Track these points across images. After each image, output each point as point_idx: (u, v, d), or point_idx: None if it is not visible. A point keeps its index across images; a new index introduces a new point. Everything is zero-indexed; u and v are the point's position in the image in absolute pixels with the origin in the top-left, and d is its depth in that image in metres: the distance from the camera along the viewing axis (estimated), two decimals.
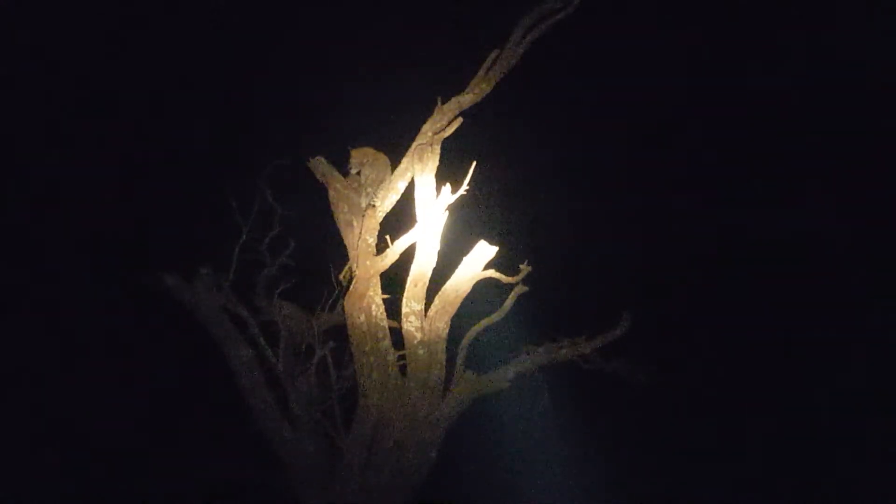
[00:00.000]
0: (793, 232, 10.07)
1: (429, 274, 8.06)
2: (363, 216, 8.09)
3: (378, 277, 8.08)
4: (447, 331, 8.11)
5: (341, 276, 8.22)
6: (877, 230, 10.02)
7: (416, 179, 8.13)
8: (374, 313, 8.05)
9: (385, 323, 8.10)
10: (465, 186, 7.90)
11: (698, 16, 9.81)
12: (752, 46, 10.08)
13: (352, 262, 8.12)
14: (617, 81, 10.02)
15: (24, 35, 9.66)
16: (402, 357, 8.07)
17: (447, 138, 8.18)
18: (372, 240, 8.04)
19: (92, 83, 9.70)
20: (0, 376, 9.35)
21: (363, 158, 8.21)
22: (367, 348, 7.99)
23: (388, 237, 8.04)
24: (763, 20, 9.85)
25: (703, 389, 9.52)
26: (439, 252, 8.06)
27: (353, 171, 8.22)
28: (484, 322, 8.20)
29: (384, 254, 7.98)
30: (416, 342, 8.03)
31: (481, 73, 8.18)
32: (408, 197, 8.18)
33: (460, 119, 8.16)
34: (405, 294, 8.07)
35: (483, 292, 8.24)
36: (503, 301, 8.23)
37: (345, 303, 8.03)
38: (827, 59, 9.86)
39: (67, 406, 9.36)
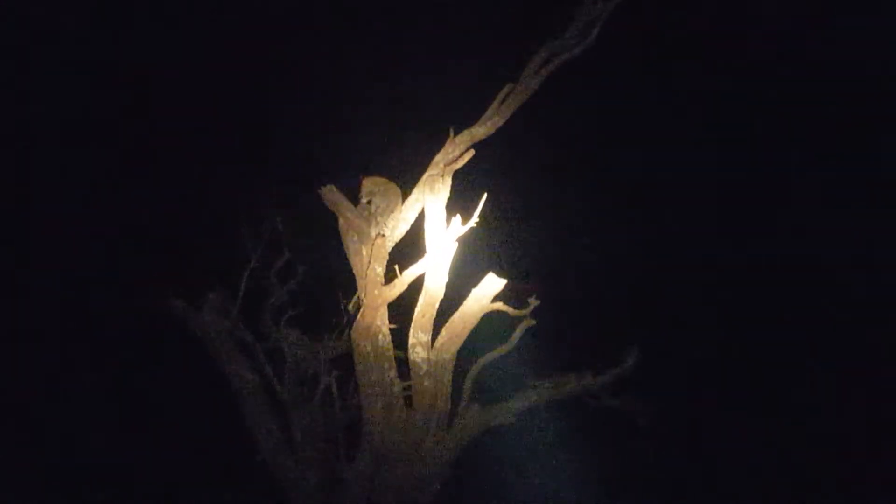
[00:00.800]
0: (807, 264, 10.00)
1: (437, 305, 8.03)
2: (372, 245, 8.04)
3: (386, 307, 8.04)
4: (454, 362, 8.08)
5: (349, 305, 8.21)
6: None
7: (426, 210, 8.12)
8: (380, 343, 8.02)
9: (392, 353, 8.06)
10: (475, 218, 7.89)
11: (714, 50, 9.79)
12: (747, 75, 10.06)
13: (360, 291, 8.09)
14: (627, 114, 10.00)
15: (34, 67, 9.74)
16: (408, 388, 8.03)
17: (459, 170, 8.18)
18: (381, 269, 8.00)
19: (105, 113, 9.73)
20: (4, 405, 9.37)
21: (374, 187, 8.21)
22: (372, 378, 7.95)
23: (396, 267, 8.01)
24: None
25: (710, 426, 9.43)
26: (448, 283, 8.04)
27: (364, 200, 8.21)
28: (491, 355, 8.17)
29: (392, 283, 7.94)
30: (422, 373, 7.98)
31: (494, 105, 8.17)
32: (418, 227, 8.17)
33: (472, 151, 8.15)
34: (412, 324, 8.04)
35: (491, 325, 8.21)
36: (510, 334, 8.21)
37: (352, 332, 7.99)
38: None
39: (70, 430, 9.32)
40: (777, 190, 10.37)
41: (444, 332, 8.07)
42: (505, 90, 8.19)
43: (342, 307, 8.20)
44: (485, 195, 7.88)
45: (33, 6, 9.55)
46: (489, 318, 8.14)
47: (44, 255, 9.75)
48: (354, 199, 8.20)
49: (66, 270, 9.60)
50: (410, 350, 8.03)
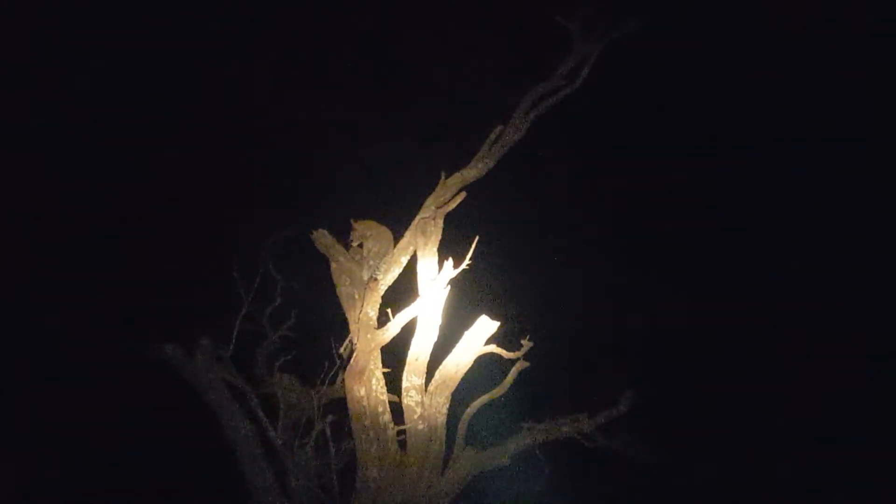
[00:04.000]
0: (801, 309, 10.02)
1: (430, 348, 8.04)
2: (365, 289, 8.06)
3: (379, 351, 8.05)
4: (447, 405, 8.07)
5: (342, 350, 8.19)
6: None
7: (418, 253, 8.15)
8: (374, 387, 8.00)
9: (385, 397, 8.04)
10: (467, 261, 7.90)
11: (703, 88, 9.85)
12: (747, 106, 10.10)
13: (353, 335, 8.10)
14: (619, 156, 10.04)
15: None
16: (402, 432, 8.00)
17: (450, 212, 8.20)
18: (373, 313, 8.01)
19: (98, 153, 9.75)
20: None
21: (366, 231, 8.24)
22: (366, 422, 7.93)
23: (389, 311, 8.00)
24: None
25: (706, 470, 9.40)
26: (440, 326, 8.04)
27: (355, 244, 8.24)
28: (485, 397, 8.16)
29: (385, 327, 7.94)
30: (416, 417, 7.97)
31: (485, 147, 8.25)
32: (410, 270, 8.18)
33: (464, 193, 8.19)
34: (406, 368, 8.05)
35: (484, 367, 8.20)
36: (504, 376, 8.20)
37: (345, 376, 7.98)
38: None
39: (62, 476, 9.26)
40: (774, 219, 10.36)
41: (437, 375, 8.07)
42: (495, 132, 8.26)
43: (335, 352, 8.19)
44: (476, 238, 7.91)
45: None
46: (482, 361, 8.15)
47: (35, 298, 9.70)
48: (346, 243, 8.23)
49: (56, 315, 9.55)
50: (404, 394, 8.02)
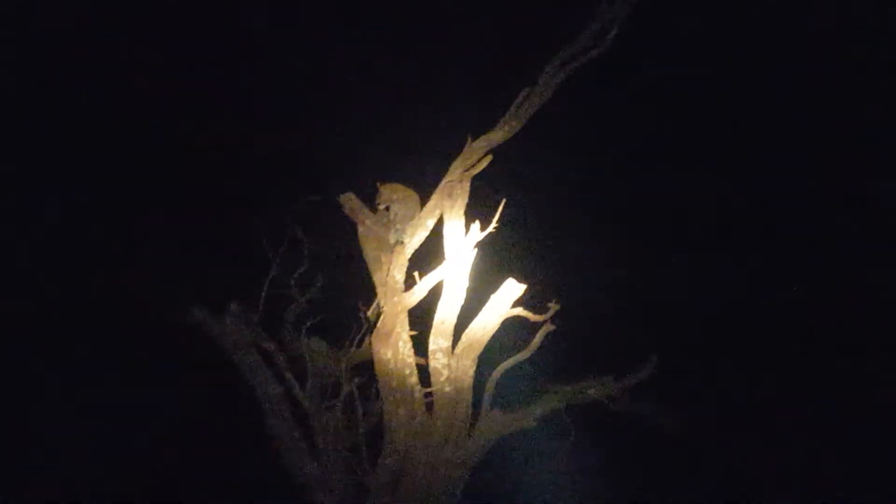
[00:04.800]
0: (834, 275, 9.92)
1: (456, 311, 8.05)
2: (392, 253, 8.10)
3: (406, 314, 8.08)
4: (474, 368, 8.09)
5: (369, 313, 8.23)
6: None
7: (445, 216, 8.14)
8: (401, 350, 8.05)
9: (412, 360, 8.09)
10: (494, 224, 7.91)
11: (739, 41, 9.68)
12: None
13: (379, 299, 8.14)
14: (649, 115, 9.93)
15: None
16: (429, 394, 8.05)
17: (477, 175, 8.17)
18: (400, 276, 8.04)
19: (123, 119, 9.78)
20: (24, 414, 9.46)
21: (392, 195, 8.22)
22: (393, 384, 7.98)
23: (416, 274, 8.05)
24: None
25: (731, 433, 9.39)
26: (467, 289, 8.05)
27: (382, 208, 8.23)
28: (511, 360, 8.17)
29: (412, 290, 7.98)
30: (442, 379, 8.00)
31: (512, 110, 8.16)
32: (436, 234, 8.18)
33: (490, 156, 8.15)
34: (432, 331, 8.06)
35: (510, 330, 8.21)
36: (531, 339, 8.21)
37: (372, 339, 8.03)
38: None
39: (90, 441, 9.39)
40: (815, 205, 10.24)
41: (464, 338, 8.08)
42: (522, 94, 8.18)
43: (362, 315, 8.22)
44: (504, 200, 7.89)
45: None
46: (509, 324, 8.16)
47: (62, 265, 9.81)
48: (373, 207, 8.23)
49: (84, 280, 9.65)
50: (431, 356, 8.05)
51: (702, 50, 9.60)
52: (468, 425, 8.06)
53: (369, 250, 8.23)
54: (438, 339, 8.04)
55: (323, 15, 9.75)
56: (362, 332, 8.23)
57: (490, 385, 8.13)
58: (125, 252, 9.55)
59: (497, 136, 8.17)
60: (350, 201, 8.20)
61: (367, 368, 8.16)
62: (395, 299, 7.95)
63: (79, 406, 9.31)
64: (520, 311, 8.12)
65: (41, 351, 9.45)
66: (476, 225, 7.97)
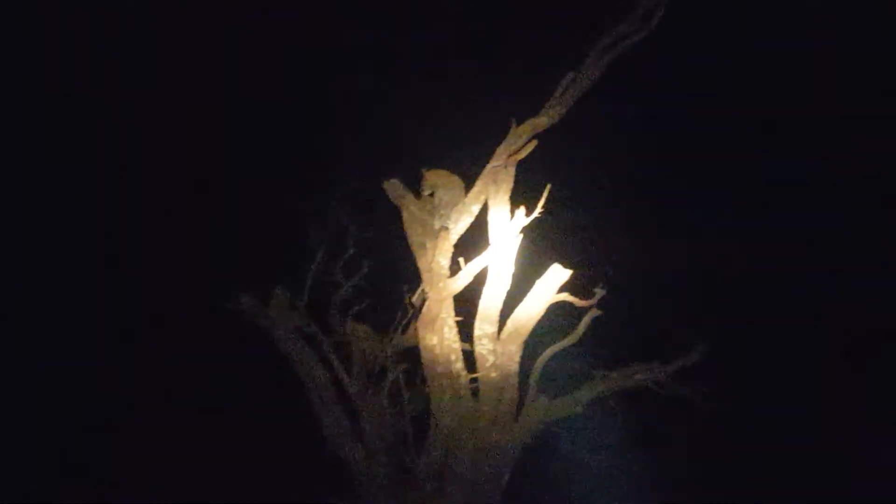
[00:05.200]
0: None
1: (502, 297, 8.04)
2: (437, 238, 8.09)
3: (451, 300, 8.08)
4: (520, 354, 8.07)
5: (414, 299, 8.23)
6: None
7: (490, 202, 8.12)
8: (446, 336, 8.05)
9: (458, 345, 8.08)
10: (539, 209, 7.88)
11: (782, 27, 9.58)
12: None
13: (425, 284, 8.13)
14: (697, 96, 9.83)
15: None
16: (475, 380, 8.03)
17: (522, 160, 8.15)
18: (445, 262, 8.04)
19: (169, 107, 9.89)
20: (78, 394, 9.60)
21: (437, 180, 8.23)
22: (439, 370, 7.98)
23: (461, 259, 8.04)
24: None
25: (779, 420, 9.30)
26: (512, 275, 8.03)
27: (427, 193, 8.23)
28: (557, 345, 8.13)
29: (457, 276, 7.98)
30: (488, 365, 7.99)
31: (556, 95, 8.14)
32: (481, 219, 8.17)
33: (535, 141, 8.12)
34: (478, 317, 8.05)
35: (556, 316, 8.18)
36: (576, 325, 8.17)
37: (417, 325, 8.04)
38: None
39: (140, 425, 9.50)
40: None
41: (509, 323, 8.07)
42: (566, 79, 8.15)
43: (407, 301, 8.24)
44: (548, 186, 7.86)
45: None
46: (554, 309, 8.13)
47: (111, 254, 9.93)
48: (418, 193, 8.24)
49: (134, 270, 9.77)
50: (476, 342, 8.04)
51: (754, 35, 9.52)
52: (514, 411, 8.05)
53: (414, 236, 8.24)
54: (484, 325, 8.03)
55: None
56: (408, 317, 8.25)
57: (536, 370, 8.10)
58: (174, 241, 9.64)
59: (542, 121, 8.14)
60: (395, 188, 8.22)
61: (412, 354, 8.18)
62: (440, 285, 7.95)
63: (135, 390, 9.46)
64: (565, 296, 8.09)
65: (98, 338, 9.61)
66: (521, 210, 7.93)
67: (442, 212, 8.20)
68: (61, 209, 9.91)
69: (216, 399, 9.24)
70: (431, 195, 8.25)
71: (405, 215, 8.24)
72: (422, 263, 8.19)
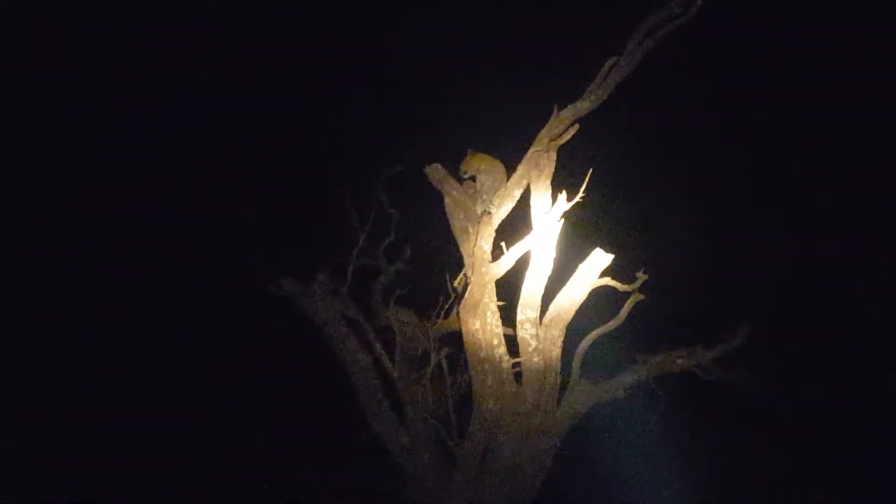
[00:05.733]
0: None
1: (544, 281, 8.02)
2: (479, 223, 8.07)
3: (493, 284, 8.07)
4: (562, 338, 8.07)
5: (456, 283, 8.25)
6: None
7: (531, 186, 8.10)
8: (488, 320, 8.04)
9: (500, 330, 8.08)
10: (581, 193, 7.86)
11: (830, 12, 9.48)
12: None
13: (467, 269, 8.13)
14: (740, 81, 9.76)
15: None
16: (517, 364, 8.04)
17: (564, 145, 8.13)
18: (487, 247, 8.02)
19: (208, 88, 9.95)
20: (117, 381, 9.69)
21: (479, 165, 8.22)
22: (482, 355, 7.99)
23: (503, 244, 8.03)
24: None
25: (824, 405, 9.24)
26: (554, 259, 8.02)
27: (466, 176, 8.23)
28: (600, 330, 8.13)
29: (499, 261, 7.97)
30: (531, 349, 7.99)
31: (598, 79, 8.07)
32: (523, 204, 8.15)
33: (577, 126, 8.09)
34: (520, 301, 8.04)
35: (598, 300, 8.17)
36: (618, 309, 8.16)
37: (460, 309, 8.04)
38: None
39: (181, 409, 9.58)
40: None
41: (551, 308, 8.06)
42: (609, 63, 8.09)
43: (450, 285, 8.25)
44: (590, 170, 7.84)
45: None
46: (597, 294, 8.12)
47: (154, 239, 10.01)
48: (460, 178, 8.24)
49: (176, 255, 9.85)
50: (519, 327, 8.03)
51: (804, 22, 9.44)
52: (557, 396, 8.07)
53: (456, 221, 8.23)
54: (526, 310, 8.03)
55: None
56: (450, 302, 8.28)
57: (578, 355, 8.12)
58: (218, 225, 9.70)
59: (584, 105, 8.09)
60: (437, 172, 8.19)
61: (455, 339, 8.20)
62: (482, 270, 7.94)
63: (174, 378, 9.55)
64: (607, 280, 8.08)
65: (139, 325, 9.70)
66: (563, 195, 7.90)
67: (484, 197, 8.19)
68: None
69: (259, 384, 9.32)
70: (473, 179, 8.25)
71: (447, 200, 8.22)
72: (464, 248, 8.19)
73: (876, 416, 9.33)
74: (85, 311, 9.80)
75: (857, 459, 9.28)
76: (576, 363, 8.10)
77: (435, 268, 8.39)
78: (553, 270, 8.03)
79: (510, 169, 8.23)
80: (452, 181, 8.20)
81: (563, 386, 8.11)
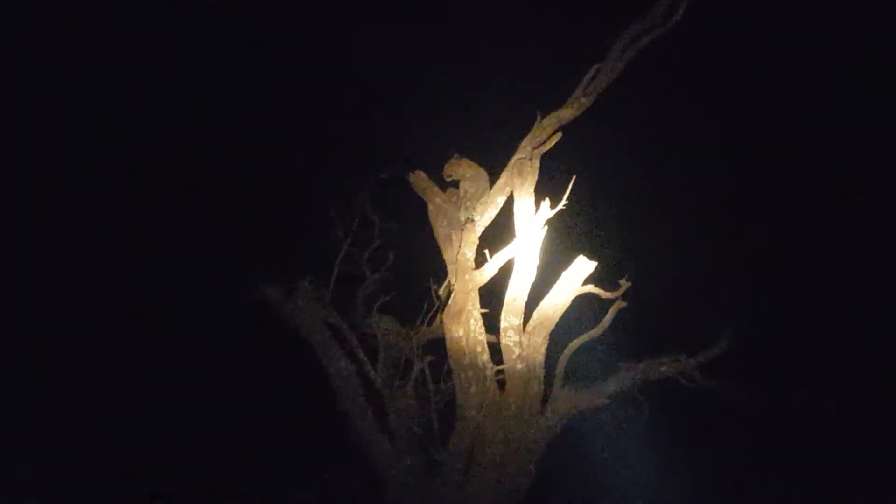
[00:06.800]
0: None
1: (527, 288, 8.03)
2: (462, 230, 8.08)
3: (477, 292, 8.07)
4: (546, 346, 8.07)
5: (440, 291, 8.26)
6: None
7: (515, 194, 8.12)
8: (472, 327, 8.04)
9: (483, 337, 8.09)
10: (564, 201, 7.88)
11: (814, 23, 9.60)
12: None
13: (451, 276, 8.15)
14: (724, 90, 9.84)
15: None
16: (501, 372, 8.04)
17: (547, 153, 8.16)
18: (471, 254, 8.03)
19: (196, 96, 9.95)
20: (99, 388, 9.62)
21: (462, 171, 8.25)
22: (465, 362, 7.98)
23: (486, 251, 8.03)
24: None
25: (805, 411, 9.27)
26: (538, 266, 8.03)
27: (450, 180, 8.25)
28: (583, 337, 8.14)
29: (483, 268, 7.97)
30: (514, 357, 7.99)
31: (581, 87, 8.15)
32: (507, 211, 8.18)
33: (560, 133, 8.14)
34: (504, 308, 8.05)
35: (581, 307, 8.19)
36: (601, 316, 8.17)
37: (443, 317, 8.04)
38: None
39: (164, 416, 9.52)
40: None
41: (535, 315, 8.08)
42: (591, 71, 8.16)
43: (433, 292, 8.25)
44: (573, 178, 7.87)
45: None
46: (580, 301, 8.13)
47: (135, 246, 9.97)
48: (443, 185, 8.26)
49: (159, 261, 9.81)
50: (502, 334, 8.04)
51: (776, 36, 9.53)
52: (540, 402, 8.06)
53: (440, 228, 8.26)
54: (510, 317, 8.03)
55: None
56: (434, 309, 8.28)
57: (562, 362, 8.12)
58: (200, 234, 9.67)
59: (567, 113, 8.16)
60: (420, 179, 8.23)
61: (438, 346, 8.18)
62: (465, 277, 7.95)
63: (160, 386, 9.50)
64: (591, 288, 8.09)
65: (126, 337, 9.66)
66: (546, 202, 7.93)
67: (467, 204, 8.23)
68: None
69: (240, 392, 9.27)
70: (455, 186, 8.27)
71: (431, 207, 8.26)
72: (448, 255, 8.21)
73: (859, 422, 9.37)
74: (64, 319, 9.73)
75: (841, 464, 9.31)
76: (559, 370, 8.10)
77: (418, 275, 8.38)
78: (537, 278, 8.05)
79: (493, 176, 8.25)
80: (436, 188, 8.24)
81: (547, 393, 8.09)
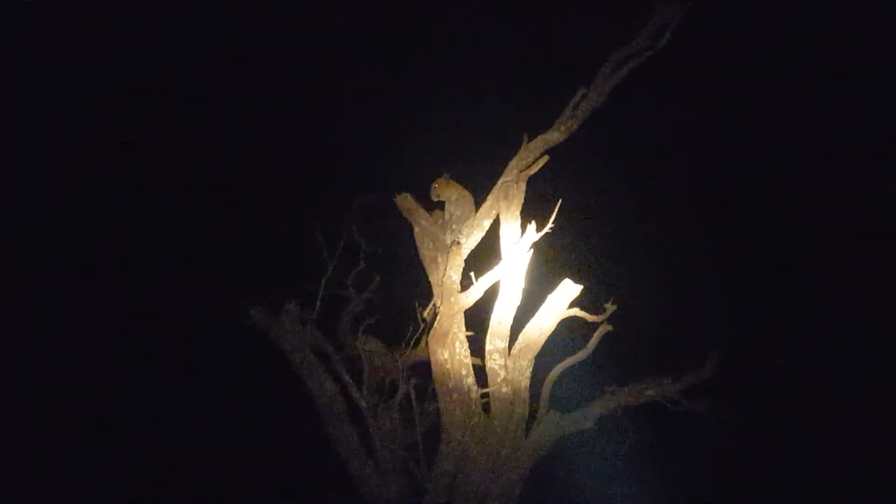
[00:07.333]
0: None
1: (513, 312, 8.02)
2: (448, 253, 8.09)
3: (462, 315, 8.07)
4: (531, 369, 8.06)
5: (425, 313, 8.23)
6: None
7: (501, 217, 8.12)
8: (457, 350, 8.03)
9: (469, 360, 8.07)
10: (550, 224, 7.87)
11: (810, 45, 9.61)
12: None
13: (436, 299, 8.13)
14: (712, 113, 9.86)
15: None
16: (486, 395, 8.02)
17: (533, 176, 8.16)
18: (456, 276, 8.01)
19: (179, 112, 9.93)
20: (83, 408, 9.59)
21: (449, 192, 8.24)
22: (450, 385, 7.97)
23: (472, 274, 8.01)
24: None
25: (792, 436, 9.28)
26: (524, 290, 8.02)
27: (436, 200, 8.24)
28: (568, 360, 8.13)
29: (468, 291, 7.95)
30: (499, 380, 7.98)
31: (568, 110, 8.13)
32: (493, 234, 8.17)
33: (546, 157, 8.14)
34: (489, 332, 8.05)
35: (567, 331, 8.18)
36: (587, 340, 8.17)
37: (428, 339, 8.02)
38: None
39: (147, 439, 9.49)
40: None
41: (520, 338, 8.06)
42: (578, 95, 8.16)
43: (418, 315, 8.23)
44: (559, 201, 7.87)
45: None
46: (566, 325, 8.12)
47: (119, 263, 9.94)
48: (429, 207, 8.25)
49: (144, 280, 9.78)
50: (488, 357, 8.03)
51: (758, 52, 9.54)
52: (525, 426, 8.05)
53: (425, 251, 8.26)
54: (495, 340, 8.03)
55: (376, 11, 9.83)
56: (419, 332, 8.23)
57: (547, 386, 8.11)
58: (183, 253, 9.64)
59: (553, 136, 8.15)
60: (406, 202, 8.21)
61: (423, 369, 8.17)
62: (451, 300, 7.93)
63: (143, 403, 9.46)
64: (576, 311, 8.08)
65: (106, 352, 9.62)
66: (532, 225, 7.92)
67: (453, 226, 8.22)
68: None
69: (223, 414, 9.24)
70: (442, 208, 8.27)
71: (416, 230, 8.25)
72: (433, 278, 8.20)
73: (844, 445, 9.37)
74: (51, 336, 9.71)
75: (825, 486, 9.32)
76: (544, 393, 8.08)
77: (404, 297, 8.37)
78: (522, 301, 8.04)
79: (479, 199, 8.25)
80: (422, 211, 8.23)
81: (532, 416, 8.07)
